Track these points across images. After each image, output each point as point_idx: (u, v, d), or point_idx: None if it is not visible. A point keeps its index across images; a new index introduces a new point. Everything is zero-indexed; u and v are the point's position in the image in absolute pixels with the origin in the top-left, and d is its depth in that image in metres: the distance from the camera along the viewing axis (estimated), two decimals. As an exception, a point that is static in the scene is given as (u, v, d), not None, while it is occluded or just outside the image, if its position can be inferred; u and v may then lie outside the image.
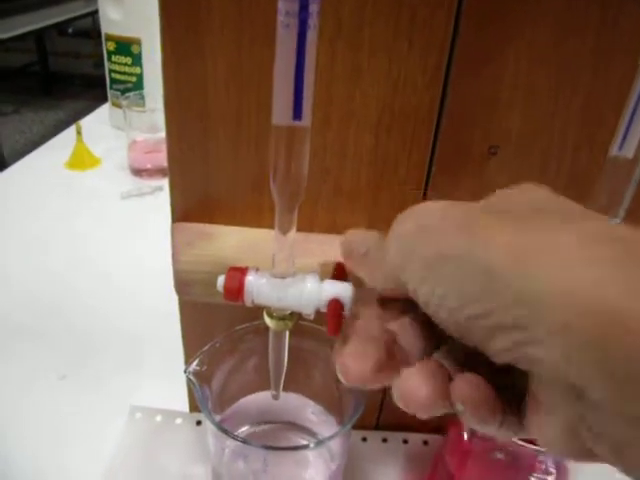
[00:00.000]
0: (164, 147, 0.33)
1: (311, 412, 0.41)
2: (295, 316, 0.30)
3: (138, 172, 0.89)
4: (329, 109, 0.31)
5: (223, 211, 0.35)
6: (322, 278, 0.29)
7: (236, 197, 0.34)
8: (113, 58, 0.99)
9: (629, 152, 0.27)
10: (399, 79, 0.30)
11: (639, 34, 0.25)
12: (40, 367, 0.51)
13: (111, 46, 0.98)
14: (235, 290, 0.29)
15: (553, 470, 0.37)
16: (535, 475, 0.37)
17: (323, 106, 0.31)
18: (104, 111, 1.11)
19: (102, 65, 1.05)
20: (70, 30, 3.83)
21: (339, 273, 0.31)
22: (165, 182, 0.55)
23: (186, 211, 0.35)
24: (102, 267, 0.66)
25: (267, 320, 0.30)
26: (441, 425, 0.41)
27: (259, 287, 0.29)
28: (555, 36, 0.30)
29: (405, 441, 0.46)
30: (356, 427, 0.46)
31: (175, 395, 0.46)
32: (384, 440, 0.46)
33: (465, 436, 0.38)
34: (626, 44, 0.30)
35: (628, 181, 0.27)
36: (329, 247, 0.34)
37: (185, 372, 0.34)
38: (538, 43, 0.30)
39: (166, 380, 0.44)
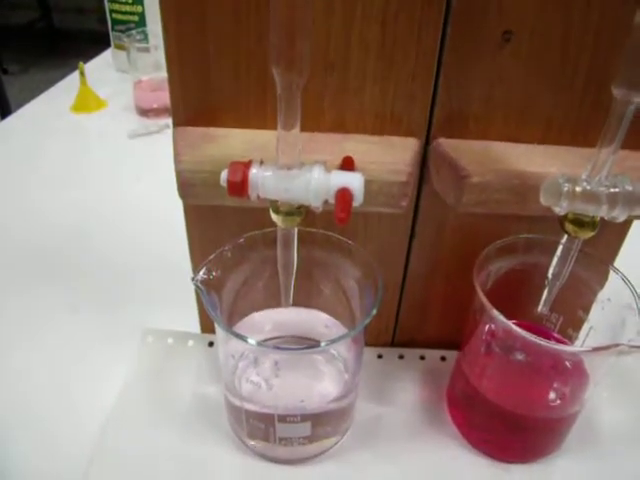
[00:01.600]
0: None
1: (324, 325, 0.40)
2: (303, 210, 0.29)
3: (144, 112, 0.87)
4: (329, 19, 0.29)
5: (226, 113, 0.33)
6: (329, 168, 0.28)
7: (239, 96, 0.33)
8: (113, -3, 0.96)
9: None
10: None
11: None
12: (54, 300, 0.51)
13: (111, -16, 0.96)
14: (239, 184, 0.27)
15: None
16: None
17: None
18: (107, 55, 1.08)
19: (106, 20, 1.03)
20: (72, -15, 3.75)
21: (347, 165, 0.30)
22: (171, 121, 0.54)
23: (188, 114, 0.33)
24: (112, 206, 0.66)
25: (274, 217, 0.29)
26: (458, 340, 0.40)
27: (264, 179, 0.27)
28: None
29: (422, 357, 0.45)
30: (371, 344, 0.45)
31: (187, 317, 0.45)
32: (400, 357, 0.45)
33: (482, 349, 0.38)
34: None
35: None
36: (336, 146, 0.32)
37: (193, 280, 0.33)
38: None
39: (178, 304, 0.44)
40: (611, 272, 0.36)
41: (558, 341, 0.40)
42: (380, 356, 0.45)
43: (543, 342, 0.31)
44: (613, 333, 0.35)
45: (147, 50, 0.86)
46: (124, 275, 0.54)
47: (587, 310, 0.38)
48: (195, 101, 0.33)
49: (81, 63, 0.91)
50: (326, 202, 0.28)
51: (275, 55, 0.24)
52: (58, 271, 0.55)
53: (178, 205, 0.36)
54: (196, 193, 0.31)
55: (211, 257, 0.33)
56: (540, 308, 0.35)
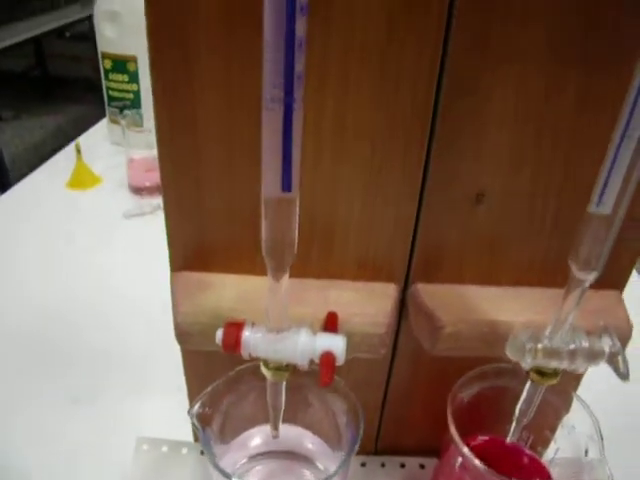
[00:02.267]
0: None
1: (310, 442, 0.42)
2: (290, 367, 0.32)
3: (137, 190, 0.90)
4: (315, 176, 0.32)
5: (220, 258, 0.36)
6: (315, 328, 0.31)
7: (232, 241, 0.36)
8: (110, 76, 1.00)
9: (607, 209, 0.28)
10: (385, 131, 0.31)
11: (618, 98, 0.26)
12: (45, 392, 0.53)
13: (108, 64, 1.00)
14: (233, 345, 0.30)
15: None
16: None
17: (310, 173, 0.32)
18: (102, 127, 1.12)
19: (99, 68, 1.06)
20: (67, 34, 3.84)
21: (331, 322, 0.33)
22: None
23: (184, 260, 0.36)
24: (105, 292, 0.68)
25: (264, 371, 0.32)
26: (436, 447, 0.42)
27: (255, 341, 0.30)
28: (538, 95, 0.31)
29: (402, 465, 0.47)
30: (355, 453, 0.47)
31: (180, 422, 0.47)
32: (382, 465, 0.47)
33: (457, 466, 0.40)
34: (606, 104, 0.31)
35: (606, 236, 0.28)
36: (321, 294, 0.35)
37: (189, 414, 0.35)
38: (521, 103, 0.31)
39: (172, 407, 0.46)
40: (575, 399, 0.39)
41: (530, 460, 0.42)
42: (363, 464, 0.47)
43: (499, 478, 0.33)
44: (578, 460, 0.37)
45: (141, 131, 0.90)
46: (118, 366, 0.56)
47: (553, 431, 0.41)
48: (191, 248, 0.36)
49: (78, 141, 0.94)
50: (312, 362, 0.30)
51: (265, 251, 0.27)
52: (50, 360, 0.57)
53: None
54: (193, 341, 0.34)
55: (205, 391, 0.36)
56: (509, 438, 0.38)
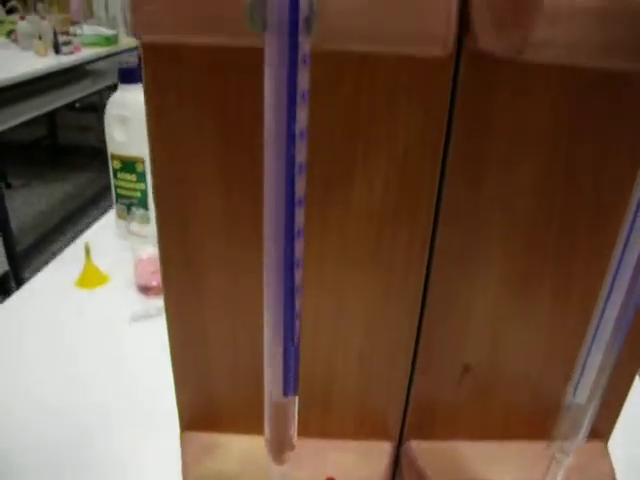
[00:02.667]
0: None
1: None
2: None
3: (145, 289, 0.93)
4: (316, 339, 0.35)
5: (226, 418, 0.39)
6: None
7: (237, 402, 0.38)
8: (119, 175, 1.05)
9: (582, 399, 0.30)
10: (378, 319, 0.34)
11: (594, 282, 0.28)
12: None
13: (117, 164, 1.04)
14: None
15: None
16: None
17: (311, 337, 0.35)
18: (110, 221, 1.16)
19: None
20: (77, 105, 3.97)
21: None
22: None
23: (192, 421, 0.38)
24: (108, 393, 0.70)
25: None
26: None
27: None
28: (518, 276, 0.34)
29: None
30: None
31: None
32: None
33: None
34: (580, 285, 0.34)
35: (581, 424, 0.30)
36: (320, 457, 0.37)
37: None
38: (503, 282, 0.34)
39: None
40: None
41: None
42: None
43: None
44: None
45: (147, 236, 0.93)
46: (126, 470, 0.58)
47: None
48: (198, 409, 0.38)
49: (87, 242, 0.97)
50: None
51: (266, 441, 0.29)
52: (58, 463, 0.58)
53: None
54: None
55: None
56: None
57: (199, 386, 0.37)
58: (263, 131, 0.21)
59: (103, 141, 1.12)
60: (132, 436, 0.64)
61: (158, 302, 0.89)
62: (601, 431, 0.40)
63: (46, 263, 1.02)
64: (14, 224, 2.88)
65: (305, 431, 0.38)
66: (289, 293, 0.25)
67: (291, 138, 0.20)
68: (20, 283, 2.57)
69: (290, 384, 0.27)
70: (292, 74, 0.19)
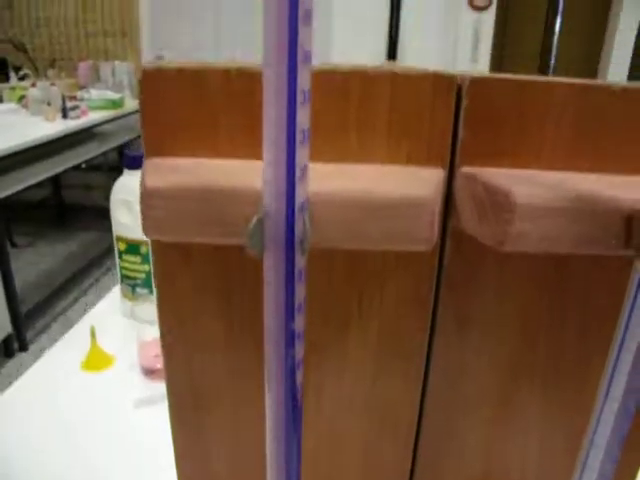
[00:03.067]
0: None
1: None
2: None
3: (148, 372, 0.94)
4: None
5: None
6: None
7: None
8: (124, 257, 1.07)
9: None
10: (374, 460, 0.35)
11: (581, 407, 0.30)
12: None
13: (122, 246, 1.07)
14: None
15: None
16: None
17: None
18: (115, 299, 1.18)
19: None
20: (83, 165, 4.05)
21: None
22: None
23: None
24: (111, 476, 0.70)
25: None
26: None
27: None
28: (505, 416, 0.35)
29: None
30: None
31: None
32: None
33: None
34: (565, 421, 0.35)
35: None
36: None
37: None
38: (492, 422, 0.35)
39: None
40: None
41: None
42: None
43: None
44: None
45: (152, 319, 0.95)
46: None
47: None
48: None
49: (93, 326, 0.99)
50: None
51: None
52: None
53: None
54: None
55: None
56: None
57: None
58: (262, 305, 0.23)
59: (108, 200, 1.15)
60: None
61: (161, 386, 0.90)
62: None
63: (49, 324, 1.03)
64: (18, 284, 2.90)
65: None
66: (289, 448, 0.26)
67: (290, 338, 0.22)
68: (23, 344, 2.57)
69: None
70: (289, 286, 0.21)
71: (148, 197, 0.25)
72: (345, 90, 0.26)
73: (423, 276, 0.30)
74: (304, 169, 0.20)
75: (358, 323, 0.31)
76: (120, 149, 3.57)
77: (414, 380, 0.33)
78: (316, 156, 0.24)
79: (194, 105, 0.27)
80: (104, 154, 3.66)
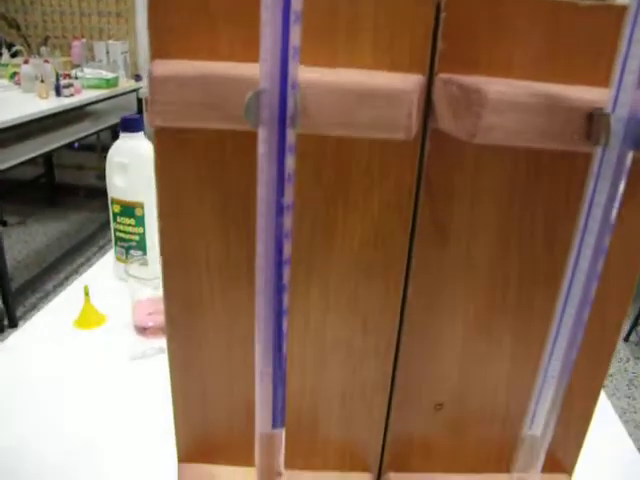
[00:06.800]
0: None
1: None
2: None
3: (141, 330, 0.96)
4: (304, 381, 0.39)
5: (222, 451, 0.42)
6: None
7: (232, 437, 0.42)
8: (118, 219, 1.09)
9: (537, 431, 0.34)
10: (357, 363, 0.38)
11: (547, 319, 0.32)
12: None
13: (117, 208, 1.09)
14: None
15: None
16: None
17: (299, 379, 0.39)
18: (109, 263, 1.19)
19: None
20: (76, 145, 4.04)
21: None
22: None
23: (189, 453, 0.42)
24: (106, 428, 0.72)
25: None
26: None
27: None
28: (482, 320, 0.38)
29: None
30: None
31: None
32: None
33: None
34: (537, 324, 0.38)
35: (541, 453, 0.34)
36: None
37: None
38: (469, 326, 0.38)
39: None
40: None
41: None
42: None
43: None
44: None
45: (146, 279, 0.97)
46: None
47: None
48: (195, 442, 0.41)
49: (86, 285, 1.01)
50: None
51: (257, 475, 0.32)
52: None
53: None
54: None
55: None
56: None
57: (196, 421, 0.41)
58: (256, 202, 0.25)
59: (101, 180, 1.16)
60: (130, 471, 0.67)
61: (155, 342, 0.93)
62: (565, 465, 0.43)
63: (40, 302, 1.05)
64: (8, 262, 2.91)
65: (291, 464, 0.42)
66: (277, 339, 0.29)
67: (280, 210, 0.25)
68: (13, 321, 2.58)
69: (278, 418, 0.31)
70: (280, 162, 0.23)
71: (155, 84, 0.27)
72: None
73: (404, 181, 0.32)
74: (296, 49, 0.23)
75: (343, 228, 0.34)
76: (113, 129, 3.56)
77: (395, 285, 0.35)
78: (307, 60, 0.26)
79: (196, 10, 0.29)
80: (97, 134, 3.66)
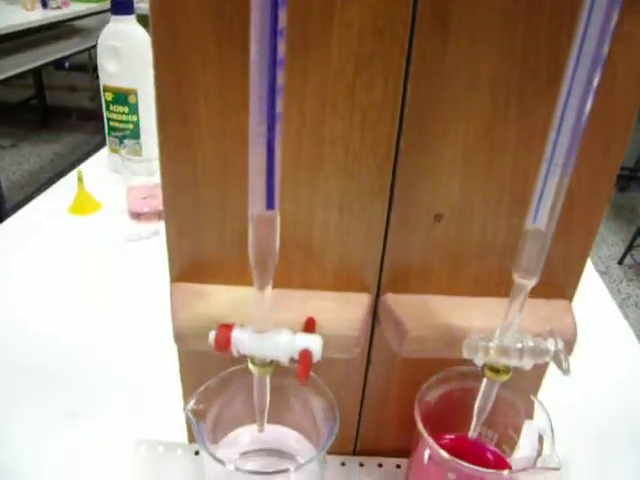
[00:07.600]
0: (159, 192, 0.39)
1: (295, 440, 0.47)
2: (274, 363, 0.36)
3: (136, 216, 0.95)
4: (298, 191, 0.38)
5: (213, 271, 0.41)
6: (295, 330, 0.36)
7: (224, 256, 0.41)
8: (111, 107, 1.06)
9: (542, 224, 0.33)
10: (355, 165, 0.37)
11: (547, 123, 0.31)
12: (49, 411, 0.57)
13: (109, 96, 1.05)
14: (223, 343, 0.35)
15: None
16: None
17: (292, 189, 0.37)
18: (103, 156, 1.17)
19: (98, 98, 1.11)
20: (67, 64, 3.93)
21: (309, 325, 0.38)
22: (161, 225, 0.60)
23: (182, 273, 0.41)
24: (105, 314, 0.72)
25: (251, 367, 0.37)
26: (410, 450, 0.47)
27: (243, 341, 0.35)
28: (484, 127, 0.36)
29: (380, 465, 0.51)
30: (335, 453, 0.52)
31: (176, 428, 0.51)
32: (361, 465, 0.51)
33: (425, 459, 0.44)
34: (540, 131, 0.36)
35: (543, 250, 0.33)
36: (301, 304, 0.40)
37: (184, 410, 0.40)
38: (471, 134, 0.36)
39: (167, 415, 0.51)
40: (536, 401, 0.43)
41: (494, 455, 0.47)
42: (343, 464, 0.51)
43: (465, 465, 0.38)
44: (534, 454, 0.42)
45: (140, 160, 0.95)
46: (117, 386, 0.61)
47: (517, 431, 0.45)
48: (188, 262, 0.41)
49: (80, 170, 0.99)
50: (292, 359, 0.35)
51: (252, 261, 0.32)
52: (50, 379, 0.61)
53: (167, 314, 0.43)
54: (189, 342, 0.39)
55: (200, 389, 0.40)
56: (470, 434, 0.42)
57: (189, 239, 0.40)
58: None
59: (94, 100, 1.13)
60: (131, 346, 0.67)
61: (150, 226, 0.92)
62: (566, 290, 0.43)
63: None
64: (3, 182, 2.88)
65: (288, 283, 0.41)
66: (271, 94, 0.27)
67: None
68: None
69: (272, 198, 0.30)
70: None
71: None
72: None
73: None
74: None
75: (341, 18, 0.32)
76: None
77: (394, 78, 0.33)
78: None
79: None
80: (89, 54, 3.56)
